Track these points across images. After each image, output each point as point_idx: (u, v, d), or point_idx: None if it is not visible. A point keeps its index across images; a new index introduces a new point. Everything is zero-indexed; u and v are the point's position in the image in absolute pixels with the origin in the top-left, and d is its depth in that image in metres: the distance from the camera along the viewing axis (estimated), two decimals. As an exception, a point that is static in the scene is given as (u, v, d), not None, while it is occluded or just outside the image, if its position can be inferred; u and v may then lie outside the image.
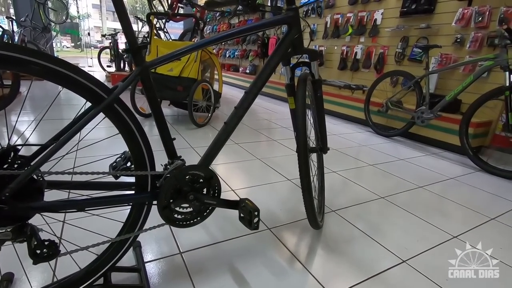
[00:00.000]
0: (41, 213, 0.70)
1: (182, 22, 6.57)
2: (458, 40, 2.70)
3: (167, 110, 3.43)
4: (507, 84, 2.03)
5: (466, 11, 2.63)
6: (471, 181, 1.94)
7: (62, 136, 0.63)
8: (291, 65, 1.09)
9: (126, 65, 5.88)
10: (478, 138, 2.46)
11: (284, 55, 1.00)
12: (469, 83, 2.27)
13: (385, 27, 3.36)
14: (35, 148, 0.67)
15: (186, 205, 0.84)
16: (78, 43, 19.14)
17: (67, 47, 19.36)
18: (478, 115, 2.33)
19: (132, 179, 0.80)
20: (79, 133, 0.64)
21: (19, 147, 0.66)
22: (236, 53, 6.41)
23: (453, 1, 2.75)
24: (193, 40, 3.62)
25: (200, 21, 3.18)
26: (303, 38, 1.03)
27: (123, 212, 0.82)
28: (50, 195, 0.69)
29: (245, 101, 0.92)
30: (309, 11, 4.34)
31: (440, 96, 2.59)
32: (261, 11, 0.96)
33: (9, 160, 0.64)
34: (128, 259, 0.97)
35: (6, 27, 4.74)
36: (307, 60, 1.11)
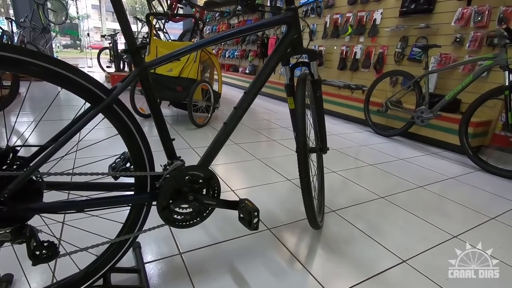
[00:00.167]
0: (40, 214, 0.70)
1: (181, 23, 6.58)
2: (458, 39, 2.70)
3: (167, 110, 3.43)
4: (507, 84, 2.03)
5: (465, 10, 2.64)
6: (471, 181, 1.94)
7: (61, 137, 0.63)
8: (290, 65, 1.09)
9: (126, 65, 5.87)
10: (477, 138, 2.46)
11: (284, 55, 1.00)
12: (468, 82, 2.28)
13: (385, 27, 3.36)
14: (34, 149, 0.67)
15: (186, 205, 0.83)
16: (71, 41, 19.13)
17: (65, 48, 19.33)
18: (478, 115, 2.33)
19: (131, 180, 0.80)
20: (78, 133, 0.64)
21: (18, 148, 0.66)
22: (235, 53, 6.41)
23: (452, 0, 2.75)
24: (192, 40, 3.62)
25: (199, 22, 3.18)
26: (302, 38, 1.03)
27: (123, 213, 0.82)
28: (50, 196, 0.69)
29: (245, 101, 0.92)
30: (309, 11, 4.34)
31: (440, 95, 2.59)
32: (261, 11, 0.96)
33: (8, 161, 0.64)
34: (127, 260, 0.97)
35: (5, 28, 4.73)
36: (306, 60, 1.11)
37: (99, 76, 6.01)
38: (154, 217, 0.82)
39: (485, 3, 2.53)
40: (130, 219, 0.81)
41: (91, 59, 8.59)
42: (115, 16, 0.72)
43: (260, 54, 5.42)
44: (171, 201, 0.81)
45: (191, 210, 0.85)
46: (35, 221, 0.67)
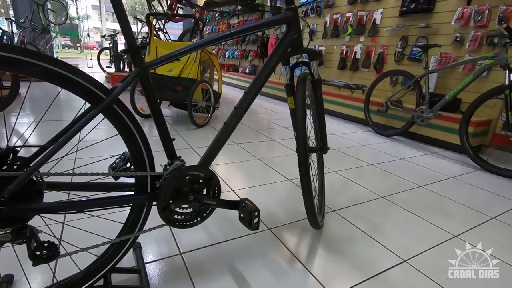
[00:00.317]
0: (41, 215, 0.70)
1: (181, 23, 6.57)
2: (458, 39, 2.70)
3: (167, 110, 3.43)
4: (507, 83, 2.03)
5: (465, 10, 2.63)
6: (471, 180, 1.94)
7: (62, 137, 0.63)
8: (290, 65, 1.09)
9: (126, 65, 5.88)
10: (478, 137, 2.46)
11: (284, 55, 1.00)
12: (468, 82, 2.27)
13: (385, 27, 3.36)
14: (34, 149, 0.67)
15: (186, 205, 0.83)
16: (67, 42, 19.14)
17: (67, 48, 19.34)
18: (478, 114, 2.32)
19: (131, 180, 0.80)
20: (78, 134, 0.64)
21: (18, 148, 0.66)
22: (235, 53, 6.41)
23: (452, 0, 2.75)
24: (192, 40, 3.62)
25: (199, 22, 3.18)
26: (302, 38, 1.03)
27: (123, 213, 0.82)
28: (50, 196, 0.69)
29: (245, 101, 0.92)
30: (309, 11, 4.34)
31: (440, 95, 2.59)
32: (260, 11, 0.96)
33: (8, 162, 0.64)
34: (128, 260, 0.97)
35: (5, 29, 4.74)
36: (306, 60, 1.11)
37: (99, 76, 6.00)
38: (154, 217, 0.82)
39: (485, 2, 2.52)
40: (130, 219, 0.81)
41: (91, 59, 8.60)
42: (115, 17, 0.72)
43: (260, 54, 5.42)
44: (171, 201, 0.81)
45: (191, 210, 0.85)
46: (35, 221, 0.67)
